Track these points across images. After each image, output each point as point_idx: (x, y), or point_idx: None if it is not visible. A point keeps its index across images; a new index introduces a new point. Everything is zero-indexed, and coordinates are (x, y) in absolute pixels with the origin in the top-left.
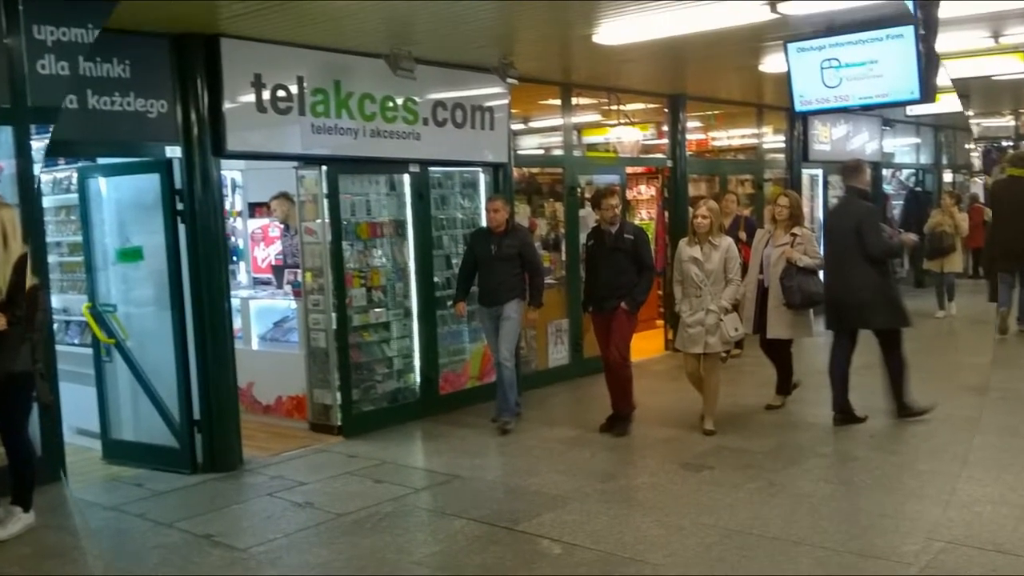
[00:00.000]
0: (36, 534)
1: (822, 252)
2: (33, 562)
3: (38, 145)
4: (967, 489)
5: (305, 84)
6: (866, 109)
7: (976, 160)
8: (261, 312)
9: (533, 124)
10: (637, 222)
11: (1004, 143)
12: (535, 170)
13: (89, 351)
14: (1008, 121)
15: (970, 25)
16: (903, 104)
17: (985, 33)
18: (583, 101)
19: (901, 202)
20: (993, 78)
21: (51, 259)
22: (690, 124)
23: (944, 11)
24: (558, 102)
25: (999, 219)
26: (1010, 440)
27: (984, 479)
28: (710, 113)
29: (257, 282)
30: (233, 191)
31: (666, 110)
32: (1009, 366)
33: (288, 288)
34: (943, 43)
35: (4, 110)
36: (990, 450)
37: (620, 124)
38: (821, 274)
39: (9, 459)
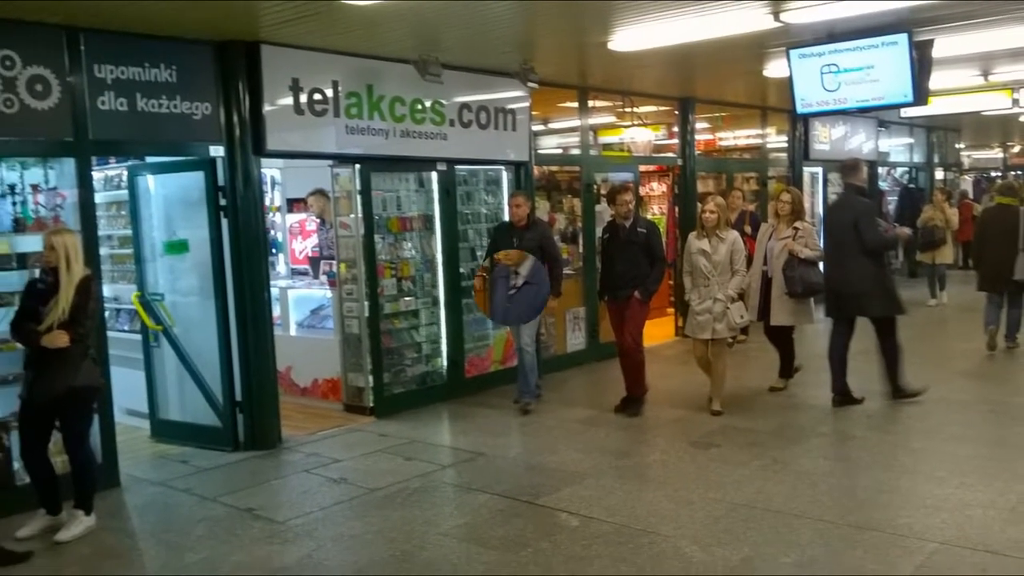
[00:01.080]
0: (96, 536)
1: (822, 245)
2: (93, 562)
3: (98, 175)
4: (959, 494)
5: (340, 88)
6: (863, 111)
7: (966, 159)
8: (299, 301)
9: (552, 125)
10: (649, 217)
11: (993, 174)
12: (554, 168)
13: (138, 337)
14: (997, 153)
15: (962, 64)
16: (897, 107)
17: (976, 71)
18: (599, 104)
19: (896, 198)
20: (983, 113)
21: (103, 251)
22: (699, 125)
23: (938, 50)
24: (575, 105)
25: (988, 244)
26: (999, 450)
27: (976, 485)
28: (717, 115)
29: (295, 273)
30: (272, 188)
31: (676, 112)
32: (998, 381)
33: (324, 278)
34: (937, 81)
35: (67, 143)
36: (981, 460)
37: (633, 125)
38: (821, 265)
39: (71, 466)
